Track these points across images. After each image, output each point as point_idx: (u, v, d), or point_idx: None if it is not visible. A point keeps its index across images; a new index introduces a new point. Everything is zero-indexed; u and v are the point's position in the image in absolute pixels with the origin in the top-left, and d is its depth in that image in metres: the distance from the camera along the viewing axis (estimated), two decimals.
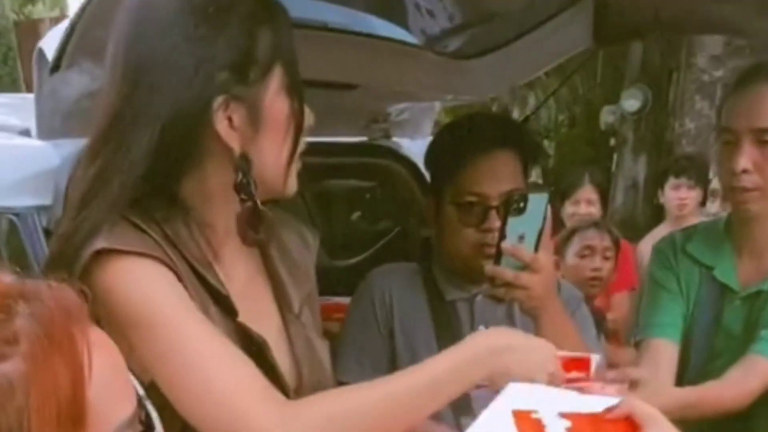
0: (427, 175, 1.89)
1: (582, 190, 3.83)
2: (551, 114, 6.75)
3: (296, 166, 1.24)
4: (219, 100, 1.15)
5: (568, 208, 3.79)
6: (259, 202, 1.21)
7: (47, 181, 1.62)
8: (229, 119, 1.17)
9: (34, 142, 1.74)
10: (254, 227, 1.23)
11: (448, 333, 1.71)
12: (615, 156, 5.82)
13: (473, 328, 1.73)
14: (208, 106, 1.15)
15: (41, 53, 1.62)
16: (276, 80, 1.19)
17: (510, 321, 1.75)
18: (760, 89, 1.69)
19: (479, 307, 1.76)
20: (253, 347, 1.22)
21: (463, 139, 1.72)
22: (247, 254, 1.31)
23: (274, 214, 1.35)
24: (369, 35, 2.21)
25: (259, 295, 1.32)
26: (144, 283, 1.11)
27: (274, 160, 1.21)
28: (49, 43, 1.60)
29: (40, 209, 1.61)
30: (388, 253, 2.78)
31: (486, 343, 1.21)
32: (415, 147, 2.59)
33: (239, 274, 1.29)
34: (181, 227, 1.21)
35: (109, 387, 0.69)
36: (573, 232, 3.24)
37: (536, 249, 1.50)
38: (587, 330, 1.75)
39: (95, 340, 0.68)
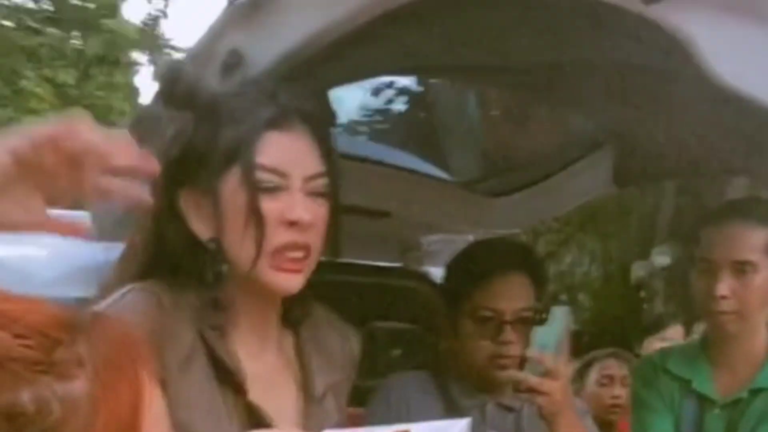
0: None
1: (673, 330, 3.88)
2: (587, 270, 6.71)
3: (283, 264, 1.20)
4: (182, 193, 1.21)
5: (654, 343, 3.66)
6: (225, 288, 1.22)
7: (91, 275, 1.63)
8: (199, 206, 1.21)
9: (81, 241, 1.77)
10: (216, 311, 1.22)
11: None
12: (645, 306, 5.76)
13: None
14: (177, 193, 1.21)
15: None
16: (234, 178, 1.19)
17: (518, 430, 1.77)
18: (739, 225, 1.80)
19: (490, 414, 1.77)
20: (260, 425, 1.19)
21: (482, 260, 1.80)
22: (281, 341, 1.31)
23: (321, 313, 1.35)
24: (404, 168, 2.26)
25: (287, 378, 1.30)
26: None
27: (243, 253, 1.20)
28: None
29: (82, 301, 1.62)
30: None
31: None
32: None
33: (267, 357, 1.28)
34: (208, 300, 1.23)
35: (159, 420, 0.70)
36: (591, 361, 3.17)
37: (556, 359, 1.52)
38: None
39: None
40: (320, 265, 1.26)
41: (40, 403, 0.62)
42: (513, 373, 1.54)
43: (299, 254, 1.21)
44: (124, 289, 1.22)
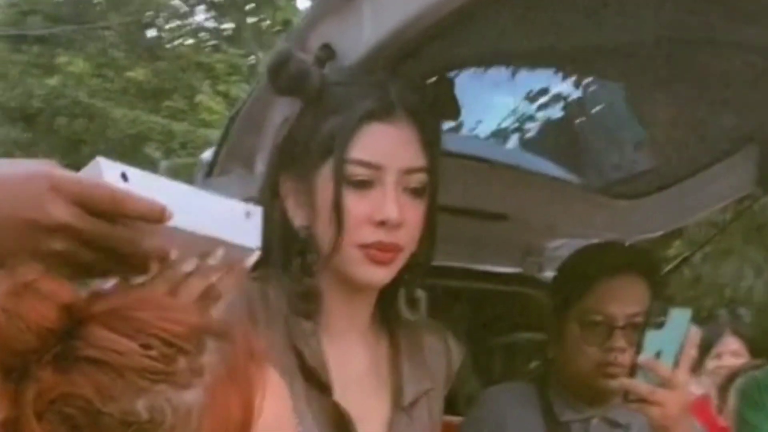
0: None
1: (723, 342, 3.30)
2: (751, 284, 6.27)
3: (369, 259, 1.16)
4: (282, 178, 1.20)
5: (709, 364, 3.26)
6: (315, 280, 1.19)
7: None
8: (298, 192, 1.18)
9: None
10: (305, 301, 1.19)
11: None
12: None
13: None
14: (280, 177, 1.20)
15: (201, 163, 1.66)
16: (328, 170, 1.16)
17: None
18: None
19: (595, 430, 1.64)
20: (342, 426, 1.17)
21: (592, 263, 1.69)
22: (375, 345, 1.27)
23: (421, 318, 1.32)
24: (528, 170, 2.14)
25: (377, 382, 1.25)
26: None
27: (329, 244, 1.17)
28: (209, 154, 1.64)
29: None
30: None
31: None
32: None
33: (359, 360, 1.24)
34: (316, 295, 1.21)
35: (275, 430, 0.68)
36: (736, 374, 2.87)
37: (674, 367, 1.37)
38: None
39: (270, 384, 0.68)
40: (432, 269, 1.23)
41: (153, 412, 0.62)
42: (623, 381, 1.41)
43: (386, 255, 1.16)
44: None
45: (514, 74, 3.21)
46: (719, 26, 1.41)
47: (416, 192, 1.18)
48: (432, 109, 1.25)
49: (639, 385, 1.37)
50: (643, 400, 1.36)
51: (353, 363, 1.23)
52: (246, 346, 0.68)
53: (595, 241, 2.41)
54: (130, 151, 10.66)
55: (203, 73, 12.58)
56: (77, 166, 0.77)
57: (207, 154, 1.69)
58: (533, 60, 1.84)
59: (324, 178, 1.17)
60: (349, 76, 1.25)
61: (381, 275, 1.18)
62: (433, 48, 1.34)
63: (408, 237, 1.18)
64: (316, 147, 1.17)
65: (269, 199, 1.21)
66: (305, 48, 1.38)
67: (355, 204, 1.15)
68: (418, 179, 1.18)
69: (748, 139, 2.09)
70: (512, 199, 2.09)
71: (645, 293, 1.61)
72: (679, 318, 1.40)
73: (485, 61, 1.67)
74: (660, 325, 1.40)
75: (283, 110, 1.35)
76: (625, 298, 1.60)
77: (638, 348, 1.40)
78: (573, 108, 2.57)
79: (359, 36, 1.34)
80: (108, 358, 0.62)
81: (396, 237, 1.16)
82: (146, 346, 0.63)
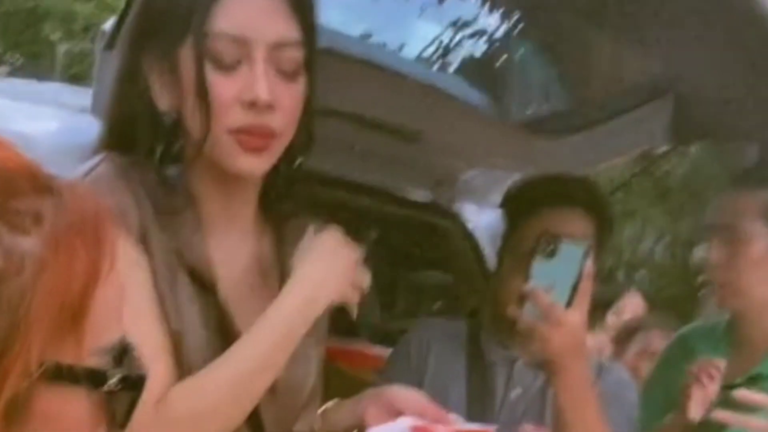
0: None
1: (627, 298, 3.40)
2: (651, 248, 6.46)
3: (237, 145, 1.09)
4: (144, 55, 1.11)
5: (610, 320, 3.28)
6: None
7: (86, 152, 1.55)
8: (161, 73, 1.10)
9: (76, 116, 1.69)
10: (170, 194, 1.13)
11: (480, 393, 1.60)
12: (701, 293, 5.53)
13: (507, 392, 1.60)
14: (141, 55, 1.11)
15: (104, 34, 1.58)
16: (189, 45, 1.07)
17: (542, 396, 1.59)
18: (736, 188, 1.77)
19: (518, 372, 1.61)
20: (227, 326, 1.13)
21: (535, 192, 1.67)
22: (259, 243, 1.21)
23: (312, 223, 1.23)
24: (445, 91, 2.11)
25: (262, 283, 1.20)
26: None
27: (198, 130, 1.09)
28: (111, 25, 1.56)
29: None
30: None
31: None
32: (482, 217, 2.45)
33: (242, 257, 1.18)
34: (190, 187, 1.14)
35: (112, 304, 0.63)
36: (635, 330, 2.95)
37: (568, 305, 1.34)
38: (622, 416, 1.56)
39: (118, 255, 0.63)
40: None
41: None
42: (510, 308, 1.38)
43: (259, 140, 1.09)
44: (96, 159, 1.13)
45: (441, 1, 3.16)
46: None
47: (290, 75, 1.10)
48: None
49: (522, 314, 1.36)
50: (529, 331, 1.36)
51: (237, 261, 1.17)
52: (95, 204, 0.63)
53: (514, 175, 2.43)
54: (26, 29, 10.07)
55: None
56: None
57: (109, 25, 1.60)
58: None
59: (186, 57, 1.08)
60: None
61: (255, 164, 1.11)
62: None
63: (282, 122, 1.10)
64: (175, 19, 1.08)
65: (128, 79, 1.12)
66: None
67: (222, 84, 1.07)
68: (292, 57, 1.10)
69: (666, 88, 2.11)
70: (429, 118, 2.04)
71: (586, 227, 1.55)
72: (571, 250, 1.37)
73: None
74: (550, 255, 1.37)
75: None
76: (561, 230, 1.49)
77: (526, 275, 1.38)
78: (498, 42, 2.56)
79: None
80: None
81: (269, 120, 1.09)
82: None
